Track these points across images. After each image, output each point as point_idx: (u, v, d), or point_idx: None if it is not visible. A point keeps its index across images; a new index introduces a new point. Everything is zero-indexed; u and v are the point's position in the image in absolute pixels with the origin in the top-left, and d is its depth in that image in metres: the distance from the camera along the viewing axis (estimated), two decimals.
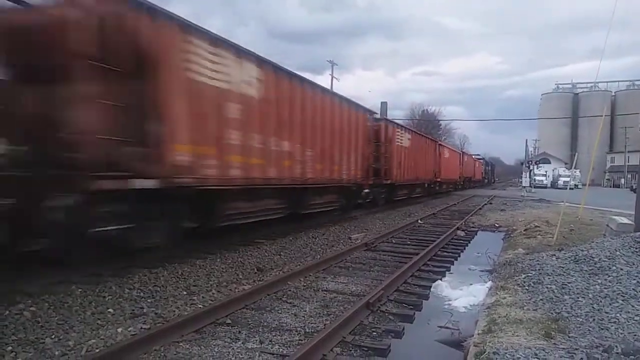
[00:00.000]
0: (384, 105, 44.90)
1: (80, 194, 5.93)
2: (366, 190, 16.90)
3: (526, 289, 5.93)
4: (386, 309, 5.80)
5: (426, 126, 68.25)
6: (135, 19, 6.55)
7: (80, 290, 5.89)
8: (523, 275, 6.56)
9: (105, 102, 6.17)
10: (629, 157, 66.28)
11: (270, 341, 4.61)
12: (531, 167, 47.66)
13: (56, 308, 5.25)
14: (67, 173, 5.96)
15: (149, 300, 5.75)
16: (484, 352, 3.98)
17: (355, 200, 16.37)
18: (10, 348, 4.18)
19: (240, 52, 8.94)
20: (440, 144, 32.50)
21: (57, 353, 4.14)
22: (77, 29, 6.00)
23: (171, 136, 7.10)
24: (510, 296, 5.78)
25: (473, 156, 55.51)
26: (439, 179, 30.37)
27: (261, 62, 9.61)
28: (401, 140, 21.02)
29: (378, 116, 20.05)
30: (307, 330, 4.94)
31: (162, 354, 4.20)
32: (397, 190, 21.36)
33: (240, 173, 8.85)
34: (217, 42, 8.27)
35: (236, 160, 8.75)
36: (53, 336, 4.50)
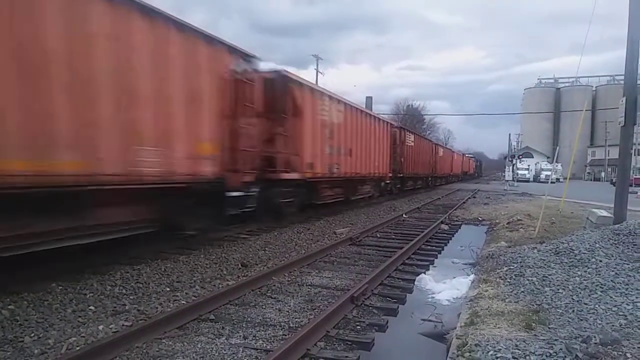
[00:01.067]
0: (369, 100, 45.02)
1: None
2: (430, 178, 33.85)
3: (508, 282, 6.01)
4: (370, 303, 5.82)
5: (410, 121, 68.64)
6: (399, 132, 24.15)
7: (60, 287, 5.80)
8: (505, 268, 6.65)
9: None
10: (609, 151, 67.45)
11: (254, 336, 4.60)
12: (514, 162, 48.25)
13: (35, 306, 5.16)
14: None
15: (131, 297, 5.69)
16: (466, 344, 4.02)
17: (425, 182, 32.94)
18: None
19: (411, 131, 28.15)
20: (452, 151, 53.12)
21: (36, 351, 4.07)
22: None
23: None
24: (492, 289, 5.85)
25: (467, 155, 72.21)
26: (451, 173, 48.75)
27: (412, 132, 27.25)
28: (440, 152, 39.09)
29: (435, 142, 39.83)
30: (292, 325, 4.94)
31: (145, 350, 4.16)
32: (436, 179, 38.67)
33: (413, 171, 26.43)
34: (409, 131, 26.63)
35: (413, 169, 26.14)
36: (32, 334, 4.42)
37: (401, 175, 23.84)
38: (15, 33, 5.09)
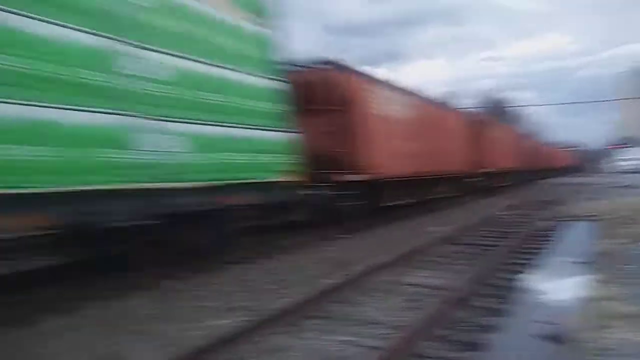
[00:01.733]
0: (448, 95, 43.81)
1: None
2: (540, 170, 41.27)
3: (628, 282, 5.57)
4: (475, 303, 5.68)
5: (498, 113, 65.32)
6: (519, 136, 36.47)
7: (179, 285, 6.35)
8: (624, 267, 6.17)
9: None
10: None
11: (359, 334, 4.66)
12: (618, 152, 44.19)
13: (162, 302, 5.71)
14: None
15: (242, 294, 6.07)
16: (593, 348, 3.81)
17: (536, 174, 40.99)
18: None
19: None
20: (558, 148, 62.67)
21: (169, 339, 4.49)
22: None
23: None
24: (609, 289, 5.45)
25: (568, 148, 78.27)
26: (558, 166, 56.23)
27: (529, 135, 45.22)
28: (548, 149, 48.83)
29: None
30: (396, 324, 4.95)
31: (261, 345, 4.41)
32: (548, 171, 47.87)
33: None
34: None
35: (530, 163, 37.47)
36: (167, 325, 4.89)
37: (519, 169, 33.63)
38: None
